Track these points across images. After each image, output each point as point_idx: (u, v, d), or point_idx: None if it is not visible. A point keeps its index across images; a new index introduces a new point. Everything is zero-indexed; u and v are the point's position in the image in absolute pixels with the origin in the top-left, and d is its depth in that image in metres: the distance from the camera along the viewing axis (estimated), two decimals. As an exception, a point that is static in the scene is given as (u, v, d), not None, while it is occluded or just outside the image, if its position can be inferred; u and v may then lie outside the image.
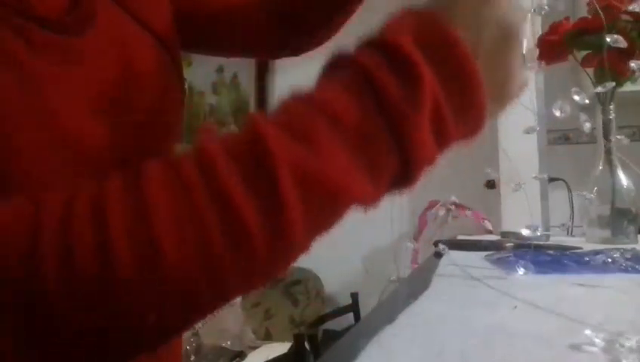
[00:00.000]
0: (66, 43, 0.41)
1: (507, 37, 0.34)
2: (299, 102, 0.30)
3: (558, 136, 1.99)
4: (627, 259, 0.58)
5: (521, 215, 1.11)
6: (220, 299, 0.29)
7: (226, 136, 0.29)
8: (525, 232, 0.55)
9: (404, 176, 0.30)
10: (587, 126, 0.64)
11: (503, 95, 0.34)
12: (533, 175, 0.59)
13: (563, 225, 1.09)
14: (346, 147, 0.28)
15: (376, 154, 0.29)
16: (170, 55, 0.53)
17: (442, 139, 0.30)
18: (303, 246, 0.29)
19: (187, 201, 0.27)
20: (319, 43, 0.72)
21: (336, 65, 0.31)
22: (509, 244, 0.79)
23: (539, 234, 0.54)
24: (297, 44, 0.73)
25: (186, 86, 2.44)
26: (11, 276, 0.27)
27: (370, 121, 0.28)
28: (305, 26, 0.71)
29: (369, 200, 0.30)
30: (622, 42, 0.57)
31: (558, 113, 0.58)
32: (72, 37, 0.41)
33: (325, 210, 0.29)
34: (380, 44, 0.30)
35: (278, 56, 0.78)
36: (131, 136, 0.46)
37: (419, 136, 0.29)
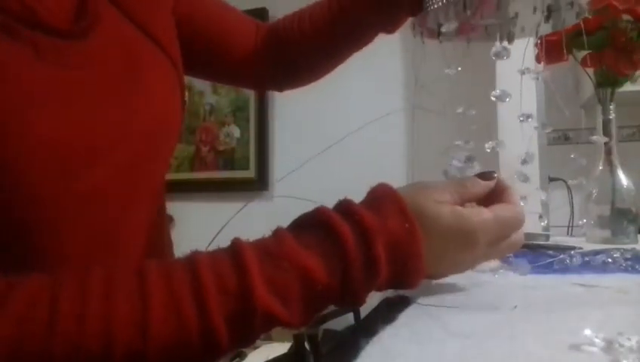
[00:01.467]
0: (72, 48, 0.41)
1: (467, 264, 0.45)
2: (284, 258, 0.35)
3: (558, 136, 1.99)
4: (627, 259, 0.58)
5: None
6: None
7: (219, 268, 0.34)
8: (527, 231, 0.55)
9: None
10: (594, 138, 0.65)
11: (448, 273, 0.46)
12: (534, 174, 0.58)
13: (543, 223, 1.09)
14: (306, 304, 0.35)
15: (323, 305, 0.37)
16: (171, 60, 0.53)
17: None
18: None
19: (178, 323, 0.31)
20: (305, 84, 0.76)
21: (320, 222, 0.38)
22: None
23: (545, 225, 0.55)
24: (284, 84, 0.78)
25: (186, 87, 2.45)
26: None
27: (334, 289, 0.36)
28: (295, 72, 0.75)
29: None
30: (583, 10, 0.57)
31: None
32: (78, 42, 0.42)
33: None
34: (360, 234, 0.37)
35: (263, 90, 0.82)
36: (137, 139, 0.46)
37: (363, 298, 0.38)
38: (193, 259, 0.34)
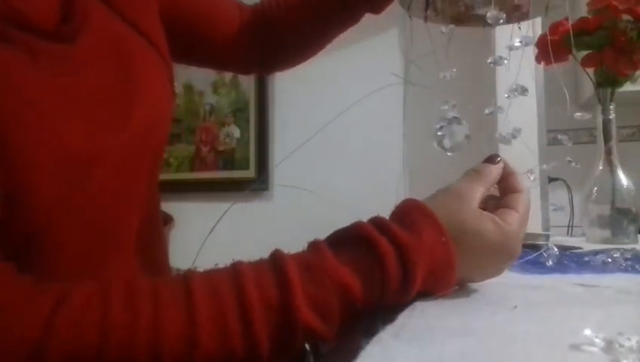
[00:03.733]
0: (65, 52, 0.41)
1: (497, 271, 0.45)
2: (325, 274, 0.36)
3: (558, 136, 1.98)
4: (627, 259, 0.58)
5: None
6: None
7: (263, 282, 0.35)
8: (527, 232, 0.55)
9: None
10: (578, 115, 0.64)
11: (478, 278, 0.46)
12: (534, 175, 0.58)
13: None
14: (343, 319, 0.36)
15: (356, 317, 0.37)
16: (159, 52, 0.53)
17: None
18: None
19: (224, 338, 0.33)
20: (292, 65, 0.76)
21: (359, 238, 0.38)
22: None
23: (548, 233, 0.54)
24: (271, 66, 0.77)
25: (181, 86, 2.44)
26: None
27: (370, 304, 0.37)
28: (282, 52, 0.74)
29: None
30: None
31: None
32: (70, 44, 0.41)
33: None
34: (399, 251, 0.37)
35: (249, 72, 0.82)
36: (134, 137, 0.46)
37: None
38: (238, 272, 0.35)
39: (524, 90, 0.56)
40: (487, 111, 0.59)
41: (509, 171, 0.48)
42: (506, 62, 0.56)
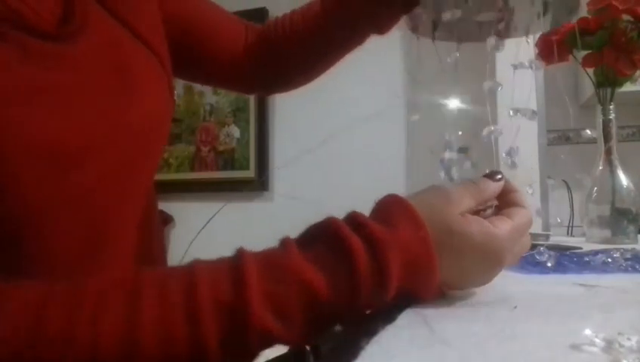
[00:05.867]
0: (60, 50, 0.40)
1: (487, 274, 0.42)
2: (286, 270, 0.34)
3: (558, 136, 1.99)
4: (627, 259, 0.58)
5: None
6: None
7: (217, 280, 0.32)
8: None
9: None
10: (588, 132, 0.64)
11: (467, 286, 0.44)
12: (535, 176, 0.58)
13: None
14: (308, 320, 0.33)
15: (328, 322, 0.35)
16: (159, 60, 0.53)
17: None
18: None
19: (168, 340, 0.30)
20: (296, 87, 0.76)
21: (328, 233, 0.36)
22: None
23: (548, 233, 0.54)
24: (274, 88, 0.78)
25: (181, 87, 2.44)
26: None
27: (340, 305, 0.34)
28: (286, 74, 0.74)
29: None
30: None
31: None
32: (66, 45, 0.41)
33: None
34: (370, 247, 0.35)
35: (252, 93, 0.81)
36: (128, 138, 0.46)
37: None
38: (192, 269, 0.33)
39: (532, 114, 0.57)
40: (484, 134, 0.58)
41: (512, 188, 0.46)
42: (500, 89, 0.57)
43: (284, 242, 0.36)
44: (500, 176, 0.46)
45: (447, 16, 0.54)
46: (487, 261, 0.40)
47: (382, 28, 0.66)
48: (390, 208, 0.38)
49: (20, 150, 0.36)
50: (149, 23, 0.53)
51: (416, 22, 0.62)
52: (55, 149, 0.38)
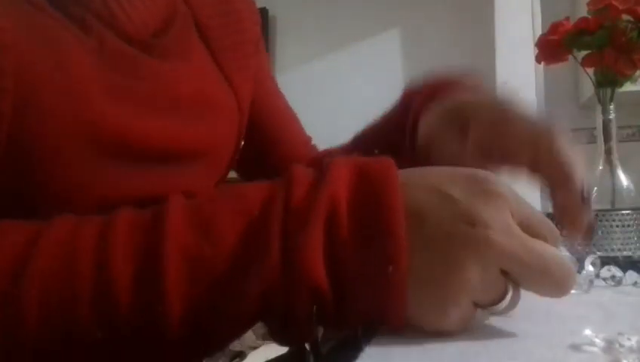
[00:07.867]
0: (141, 59, 0.41)
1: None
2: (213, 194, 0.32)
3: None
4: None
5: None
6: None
7: (141, 210, 0.30)
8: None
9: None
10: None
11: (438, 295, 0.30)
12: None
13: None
14: (241, 238, 0.28)
15: (258, 253, 0.28)
16: (239, 107, 0.53)
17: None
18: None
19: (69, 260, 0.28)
20: None
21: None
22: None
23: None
24: None
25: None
26: None
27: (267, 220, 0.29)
28: None
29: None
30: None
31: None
32: (151, 57, 0.42)
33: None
34: (320, 187, 0.29)
35: None
36: (184, 153, 0.45)
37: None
38: (117, 212, 0.30)
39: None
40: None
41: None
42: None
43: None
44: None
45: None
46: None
47: None
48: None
49: (76, 136, 0.36)
50: (244, 76, 0.54)
51: None
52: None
